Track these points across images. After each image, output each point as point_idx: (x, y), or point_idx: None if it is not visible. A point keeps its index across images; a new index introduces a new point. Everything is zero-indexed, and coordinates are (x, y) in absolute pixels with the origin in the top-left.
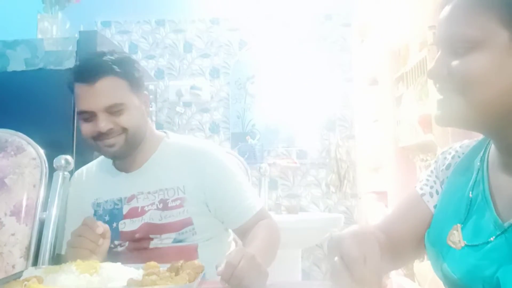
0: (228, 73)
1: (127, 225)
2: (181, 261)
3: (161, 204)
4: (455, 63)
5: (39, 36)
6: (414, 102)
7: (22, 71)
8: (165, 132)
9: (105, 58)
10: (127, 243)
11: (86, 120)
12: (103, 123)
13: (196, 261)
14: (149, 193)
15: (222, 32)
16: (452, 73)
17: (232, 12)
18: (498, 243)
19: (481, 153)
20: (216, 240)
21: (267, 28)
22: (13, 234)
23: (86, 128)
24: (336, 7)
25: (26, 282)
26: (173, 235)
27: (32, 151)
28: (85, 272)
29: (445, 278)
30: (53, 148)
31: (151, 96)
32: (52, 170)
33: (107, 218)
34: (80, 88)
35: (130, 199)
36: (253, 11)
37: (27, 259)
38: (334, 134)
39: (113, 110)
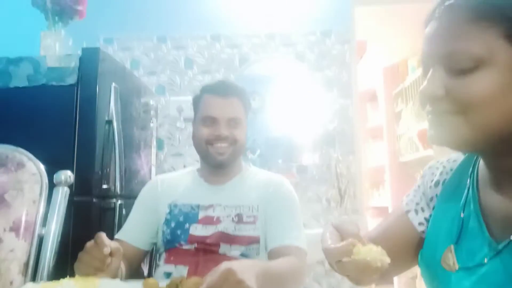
0: None
1: (199, 230)
2: (181, 277)
3: (237, 218)
4: (455, 82)
5: (42, 53)
6: (413, 117)
7: (24, 87)
8: (247, 163)
9: (235, 84)
10: (195, 245)
11: (207, 124)
12: (224, 129)
13: (196, 277)
14: (227, 206)
15: (222, 48)
16: (452, 93)
17: (232, 29)
18: (493, 266)
19: (470, 169)
20: None
21: (267, 45)
22: (11, 250)
23: (206, 131)
24: (335, 24)
25: None
26: (242, 248)
27: (32, 167)
28: None
29: None
30: (54, 163)
31: (152, 112)
32: (52, 185)
33: (181, 218)
34: (213, 99)
35: (207, 207)
36: (254, 28)
37: (25, 275)
38: (334, 149)
39: (232, 123)
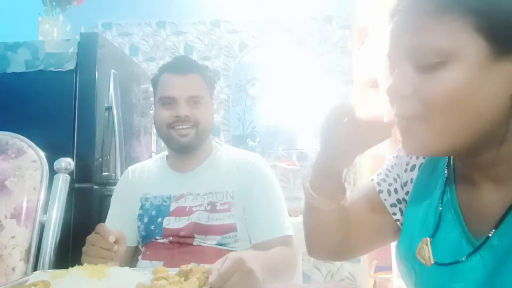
0: (228, 75)
1: (171, 223)
2: (191, 265)
3: (210, 206)
4: (422, 80)
5: (40, 38)
6: None
7: (22, 73)
8: (218, 143)
9: (195, 61)
10: (170, 238)
11: (166, 106)
12: (183, 109)
13: (206, 265)
14: (198, 194)
15: (222, 34)
16: (418, 92)
17: (232, 14)
18: (473, 263)
19: (447, 159)
20: None
21: (268, 30)
22: (13, 237)
23: (165, 114)
24: (336, 10)
25: (32, 287)
26: (217, 238)
27: (32, 154)
28: (93, 277)
29: None
30: (54, 150)
31: (151, 99)
32: (52, 172)
33: (153, 213)
34: (170, 77)
35: (178, 198)
36: (254, 14)
37: (27, 262)
38: None
39: (193, 101)
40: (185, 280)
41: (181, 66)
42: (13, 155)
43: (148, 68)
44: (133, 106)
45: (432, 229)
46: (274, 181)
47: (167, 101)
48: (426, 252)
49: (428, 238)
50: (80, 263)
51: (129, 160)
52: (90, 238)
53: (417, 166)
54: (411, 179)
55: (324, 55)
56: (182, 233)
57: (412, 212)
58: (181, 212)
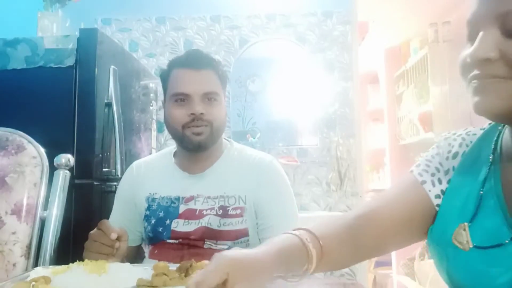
0: (228, 71)
1: (180, 225)
2: (191, 261)
3: (221, 211)
4: (509, 44)
5: (39, 34)
6: (414, 100)
7: (22, 69)
8: (228, 140)
9: (209, 55)
10: (179, 240)
11: (179, 103)
12: (198, 106)
13: (206, 261)
14: (209, 197)
15: (222, 30)
16: (506, 56)
17: (232, 10)
18: None
19: (492, 145)
20: None
21: (268, 26)
22: (13, 233)
23: (179, 112)
24: (337, 5)
25: (33, 283)
26: (228, 243)
27: (32, 150)
28: (94, 272)
29: (450, 280)
30: (53, 146)
31: (151, 95)
32: (52, 168)
33: (161, 214)
34: (183, 73)
35: (188, 200)
36: (254, 9)
37: (28, 258)
38: (335, 132)
39: (208, 98)
40: (186, 276)
41: (195, 61)
42: (13, 151)
43: (148, 64)
44: (133, 102)
45: (470, 215)
46: (287, 185)
47: (181, 98)
48: (464, 236)
49: (466, 223)
50: (81, 259)
51: (129, 156)
52: (93, 234)
53: (460, 154)
54: (453, 167)
55: (324, 51)
56: (192, 237)
57: (450, 198)
58: (190, 215)
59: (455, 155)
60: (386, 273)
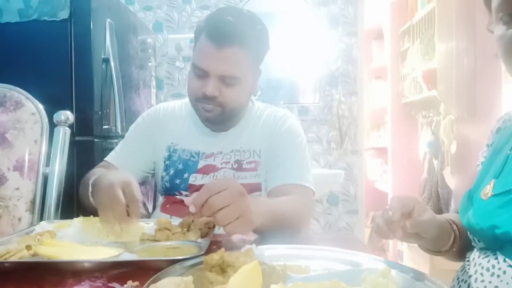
0: None
1: (198, 180)
2: (193, 217)
3: (236, 165)
4: None
5: None
6: (419, 57)
7: (16, 23)
8: (251, 100)
9: (243, 28)
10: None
11: (197, 77)
12: (212, 88)
13: (207, 218)
14: (227, 153)
15: None
16: None
17: None
18: None
19: None
20: None
21: None
22: (17, 189)
23: (195, 85)
24: None
25: (39, 237)
26: None
27: (31, 106)
28: (97, 226)
29: (469, 227)
30: (52, 103)
31: (149, 51)
32: (52, 125)
33: (180, 166)
34: (206, 46)
35: (208, 156)
36: None
37: (32, 212)
38: (337, 90)
39: (226, 81)
40: (188, 231)
41: (221, 36)
42: (11, 108)
43: (145, 18)
44: (131, 58)
45: (498, 172)
46: (299, 135)
47: (199, 73)
48: (488, 190)
49: (493, 180)
50: (84, 214)
51: (129, 113)
52: (105, 202)
53: (502, 129)
54: (495, 139)
55: (328, 4)
56: None
57: (487, 162)
58: (208, 170)
59: (498, 130)
60: None
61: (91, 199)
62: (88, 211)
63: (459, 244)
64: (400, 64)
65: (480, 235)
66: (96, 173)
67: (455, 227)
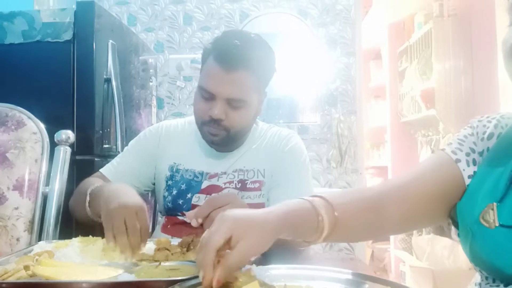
0: None
1: (201, 200)
2: (192, 236)
3: (240, 184)
4: None
5: (36, 7)
6: (417, 76)
7: (20, 44)
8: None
9: (250, 51)
10: None
11: (203, 99)
12: (218, 111)
13: None
14: (231, 173)
15: (223, 3)
16: None
17: None
18: None
19: None
20: None
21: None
22: (16, 208)
23: (202, 107)
24: None
25: (37, 257)
26: None
27: (32, 126)
28: (96, 247)
29: (473, 256)
30: (53, 122)
31: (151, 71)
32: (53, 144)
33: (183, 187)
34: (214, 68)
35: (212, 176)
36: None
37: (31, 232)
38: (336, 109)
39: (233, 104)
40: (187, 251)
41: (229, 60)
42: (13, 127)
43: (146, 39)
44: (133, 78)
45: (500, 195)
46: (303, 154)
47: (205, 95)
48: (491, 216)
49: (495, 203)
50: (83, 234)
51: (129, 132)
52: (120, 228)
53: (495, 135)
54: (488, 147)
55: (327, 26)
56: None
57: (481, 177)
58: (212, 190)
59: (490, 136)
60: (384, 247)
61: (88, 208)
62: (81, 221)
63: (336, 232)
64: (399, 84)
65: (490, 270)
66: (93, 182)
67: (321, 218)
